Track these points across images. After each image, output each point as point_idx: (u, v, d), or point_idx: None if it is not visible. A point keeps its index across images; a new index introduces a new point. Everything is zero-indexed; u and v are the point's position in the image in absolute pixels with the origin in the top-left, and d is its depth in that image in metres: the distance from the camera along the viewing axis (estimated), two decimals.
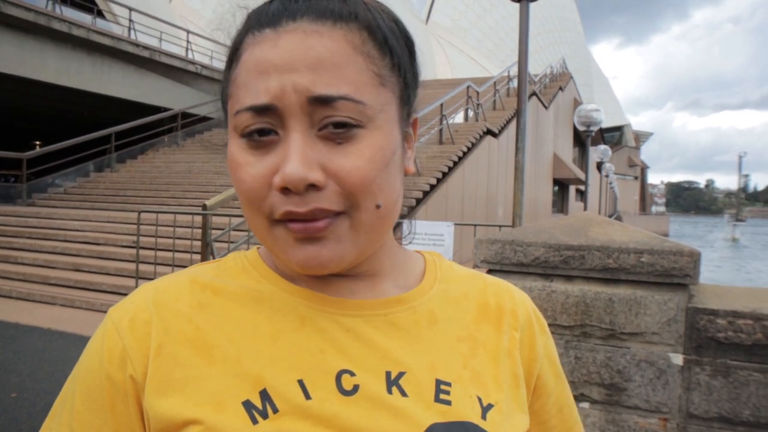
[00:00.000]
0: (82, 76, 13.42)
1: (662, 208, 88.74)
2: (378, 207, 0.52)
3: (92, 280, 6.82)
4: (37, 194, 11.88)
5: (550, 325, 2.56)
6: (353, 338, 0.55)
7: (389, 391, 0.53)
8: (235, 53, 0.54)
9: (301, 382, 0.52)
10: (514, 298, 0.67)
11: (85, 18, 15.06)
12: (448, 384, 0.56)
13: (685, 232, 79.27)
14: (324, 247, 0.51)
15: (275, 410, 0.50)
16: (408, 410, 0.52)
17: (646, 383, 2.46)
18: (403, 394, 0.53)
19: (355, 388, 0.52)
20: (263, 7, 0.53)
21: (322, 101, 0.48)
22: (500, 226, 4.24)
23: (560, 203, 27.65)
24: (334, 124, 0.49)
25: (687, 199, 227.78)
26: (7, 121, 19.56)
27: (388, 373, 0.54)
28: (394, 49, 0.54)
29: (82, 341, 4.82)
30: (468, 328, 0.61)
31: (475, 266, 2.70)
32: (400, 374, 0.54)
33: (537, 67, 31.01)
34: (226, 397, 0.51)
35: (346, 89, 0.49)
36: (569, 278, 2.55)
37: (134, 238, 7.15)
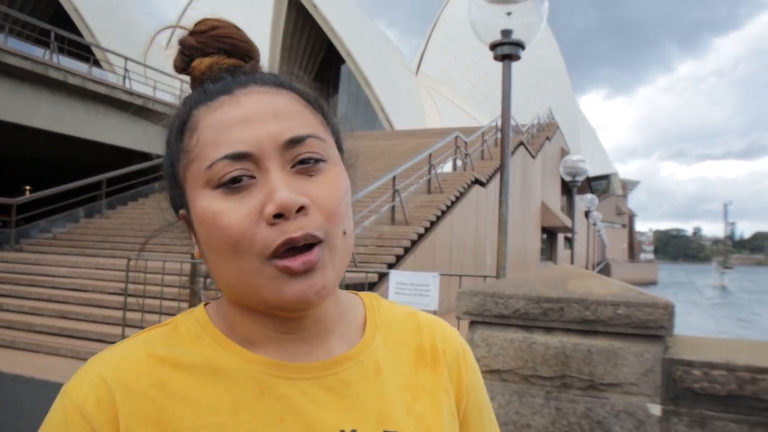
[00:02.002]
0: (75, 122, 13.59)
1: (651, 256, 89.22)
2: (344, 233, 0.59)
3: (78, 328, 6.77)
4: (26, 240, 11.84)
5: (531, 375, 2.62)
6: (310, 402, 0.59)
7: None
8: (184, 127, 0.60)
9: None
10: (446, 336, 0.72)
11: (81, 67, 15.35)
12: None
13: (674, 279, 79.56)
14: (316, 276, 0.56)
15: None
16: None
17: None
18: None
19: None
20: (207, 86, 0.61)
21: (294, 142, 0.57)
22: (485, 277, 4.31)
23: (549, 251, 27.80)
24: (304, 160, 0.57)
25: (675, 247, 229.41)
26: None
27: None
28: (324, 109, 0.64)
29: None
30: (408, 374, 0.67)
31: (458, 318, 2.77)
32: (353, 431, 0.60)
33: (524, 117, 31.67)
34: None
35: (310, 130, 0.59)
36: (549, 330, 2.61)
37: (122, 285, 7.15)
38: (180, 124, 0.61)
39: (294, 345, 0.62)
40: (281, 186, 0.55)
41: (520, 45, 4.10)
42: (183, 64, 0.65)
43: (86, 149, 15.08)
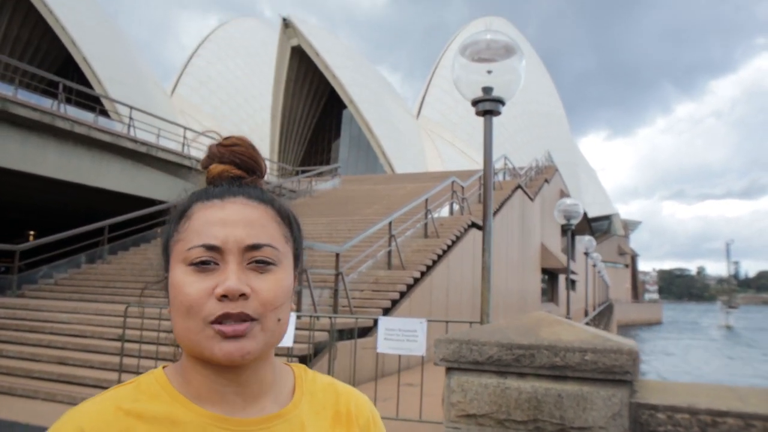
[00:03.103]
0: (80, 170, 13.91)
1: (655, 296, 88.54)
2: (279, 320, 0.77)
3: (76, 374, 6.85)
4: (27, 285, 11.98)
5: (505, 420, 2.74)
6: None
7: None
8: (184, 213, 0.79)
9: None
10: (358, 404, 0.89)
11: (87, 116, 15.78)
12: None
13: (679, 318, 78.79)
14: (245, 342, 0.72)
15: None
16: None
17: None
18: None
19: None
20: (209, 189, 0.81)
21: (254, 247, 0.75)
22: (470, 323, 4.43)
23: (550, 293, 27.74)
24: (258, 261, 0.75)
25: (679, 286, 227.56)
26: (2, 213, 19.92)
27: None
28: (292, 225, 0.84)
29: None
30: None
31: (435, 364, 2.90)
32: None
33: (524, 159, 32.03)
34: None
35: (268, 240, 0.77)
36: (522, 375, 2.73)
37: (120, 330, 7.26)
38: (181, 211, 0.80)
39: (233, 400, 0.77)
40: (233, 277, 0.72)
41: (500, 101, 4.32)
42: (206, 164, 0.84)
43: (90, 195, 15.37)
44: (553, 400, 2.68)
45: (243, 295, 0.73)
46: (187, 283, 0.74)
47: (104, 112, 19.05)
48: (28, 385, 6.58)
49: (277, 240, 0.78)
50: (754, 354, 34.37)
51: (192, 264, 0.74)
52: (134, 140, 15.12)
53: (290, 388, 0.85)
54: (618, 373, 2.60)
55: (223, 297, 0.72)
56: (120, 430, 0.71)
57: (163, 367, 0.82)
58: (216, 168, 0.82)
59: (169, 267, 0.78)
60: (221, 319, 0.72)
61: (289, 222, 0.83)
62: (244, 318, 0.73)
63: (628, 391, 2.61)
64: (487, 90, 4.35)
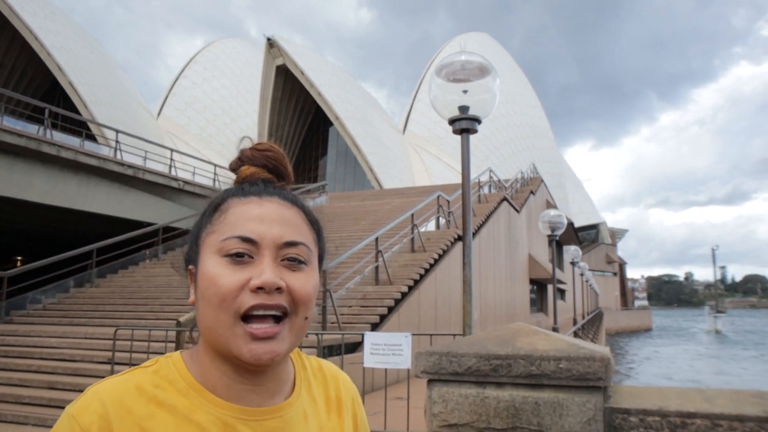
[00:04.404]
0: (67, 194, 13.92)
1: (645, 302, 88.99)
2: (306, 318, 0.80)
3: (66, 398, 6.84)
4: (16, 311, 11.91)
5: (485, 428, 2.85)
6: None
7: None
8: (218, 207, 0.82)
9: None
10: (345, 386, 0.97)
11: (74, 141, 15.82)
12: None
13: (668, 324, 79.20)
14: (273, 344, 0.75)
15: None
16: None
17: None
18: None
19: None
20: (245, 186, 0.84)
21: (289, 244, 0.79)
22: (454, 335, 4.54)
23: (540, 303, 27.88)
24: (291, 258, 0.79)
25: (668, 293, 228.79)
26: None
27: None
28: (319, 231, 0.89)
29: None
30: (323, 419, 0.90)
31: (416, 376, 3.00)
32: None
33: (509, 172, 32.32)
34: None
35: (303, 239, 0.81)
36: (500, 385, 2.84)
37: (110, 353, 7.28)
38: (216, 204, 0.83)
39: (249, 397, 0.80)
40: (269, 270, 0.76)
41: (476, 120, 4.47)
42: (236, 166, 0.88)
43: (77, 219, 15.36)
44: (530, 408, 2.79)
45: (278, 289, 0.76)
46: (221, 274, 0.76)
47: (91, 136, 19.07)
48: (18, 411, 6.57)
49: (308, 240, 0.82)
50: (743, 355, 34.65)
51: (227, 255, 0.76)
52: (121, 163, 15.18)
53: (291, 379, 0.89)
54: (591, 379, 2.71)
55: (259, 289, 0.75)
56: (142, 414, 0.74)
57: (181, 352, 0.85)
58: (248, 170, 0.86)
59: (199, 259, 0.80)
60: (252, 310, 0.75)
61: (317, 228, 0.88)
62: (280, 310, 0.77)
63: (602, 397, 2.72)
64: (463, 109, 4.50)
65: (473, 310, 4.25)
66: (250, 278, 0.75)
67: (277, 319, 0.77)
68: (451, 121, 4.56)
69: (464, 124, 4.51)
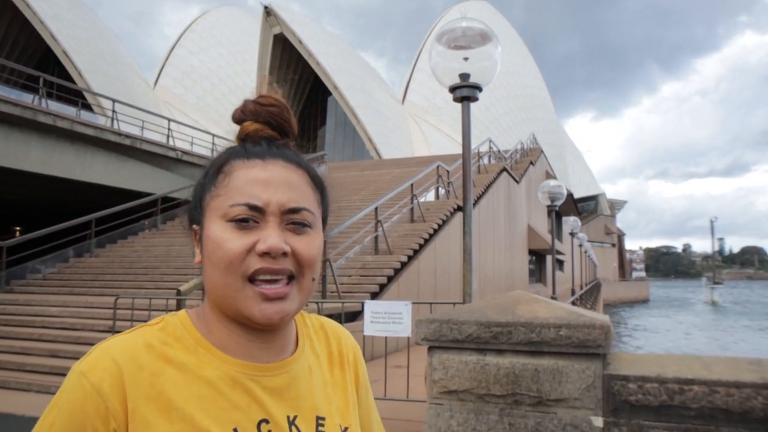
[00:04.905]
0: (64, 164, 13.84)
1: (643, 274, 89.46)
2: (313, 279, 0.82)
3: (68, 366, 6.85)
4: (16, 281, 11.96)
5: (485, 394, 2.86)
6: (267, 394, 0.80)
7: (290, 430, 0.80)
8: (221, 169, 0.81)
9: (236, 431, 0.76)
10: (346, 343, 0.98)
11: (70, 110, 15.68)
12: (323, 418, 0.85)
13: (666, 295, 79.89)
14: (284, 304, 0.77)
15: None
16: None
17: None
18: (299, 430, 0.81)
19: None
20: (248, 147, 0.82)
21: (293, 210, 0.79)
22: (454, 303, 4.55)
23: (538, 273, 28.04)
24: (296, 222, 0.79)
25: (666, 264, 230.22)
26: None
27: (288, 417, 0.81)
28: (323, 191, 0.88)
29: None
30: (326, 374, 0.91)
31: (417, 343, 3.01)
32: (295, 417, 0.82)
33: (509, 143, 32.16)
34: None
35: (306, 204, 0.81)
36: (500, 352, 2.85)
37: (111, 322, 7.33)
38: (219, 165, 0.81)
39: (257, 353, 0.81)
40: (275, 235, 0.76)
41: (477, 87, 4.41)
42: (239, 119, 0.85)
43: (75, 189, 15.30)
44: (530, 375, 2.80)
45: (284, 254, 0.77)
46: (228, 238, 0.76)
47: (87, 106, 18.88)
48: (21, 378, 6.64)
49: (312, 204, 0.82)
50: (738, 325, 35.03)
51: (233, 221, 0.77)
52: (118, 133, 15.05)
53: (294, 335, 0.90)
54: (591, 346, 2.72)
55: (265, 254, 0.75)
56: (152, 371, 0.75)
57: (186, 311, 0.85)
58: (251, 126, 0.84)
59: (204, 221, 0.80)
60: (259, 274, 0.76)
61: (321, 188, 0.87)
62: (287, 273, 0.77)
63: (601, 364, 2.73)
64: (464, 76, 4.43)
65: (473, 279, 4.25)
66: (256, 242, 0.76)
67: (287, 280, 0.78)
68: (452, 89, 4.50)
69: (465, 91, 4.45)
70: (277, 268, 0.76)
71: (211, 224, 0.79)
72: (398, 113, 49.36)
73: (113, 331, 6.43)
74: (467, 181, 4.36)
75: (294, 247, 0.78)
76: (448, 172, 13.69)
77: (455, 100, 4.53)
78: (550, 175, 27.28)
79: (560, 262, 33.20)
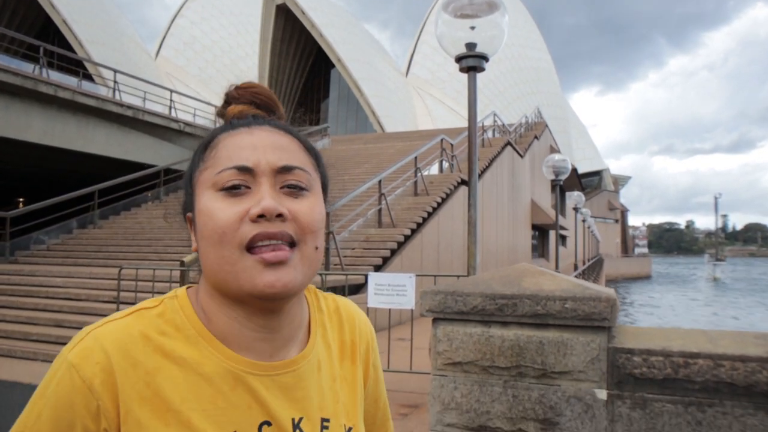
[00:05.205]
0: (66, 135, 13.78)
1: (645, 250, 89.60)
2: (316, 248, 0.75)
3: (72, 335, 6.95)
4: (20, 251, 12.01)
5: (489, 366, 2.86)
6: (272, 394, 0.74)
7: None
8: (208, 145, 0.77)
9: None
10: (361, 331, 0.92)
11: (71, 80, 15.54)
12: (328, 420, 0.79)
13: (668, 271, 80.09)
14: (285, 271, 0.70)
15: None
16: None
17: (576, 417, 2.74)
18: None
19: None
20: (233, 121, 0.79)
21: (286, 169, 0.73)
22: (458, 276, 4.54)
23: (541, 248, 28.06)
24: (291, 185, 0.73)
25: (669, 240, 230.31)
26: None
27: (293, 420, 0.75)
28: (318, 158, 0.82)
29: None
30: (335, 367, 0.85)
31: (421, 315, 3.00)
32: (300, 419, 0.76)
33: (514, 116, 31.92)
34: None
35: (300, 163, 0.76)
36: (505, 324, 2.84)
37: (115, 293, 7.36)
38: (205, 143, 0.78)
39: (260, 345, 0.75)
40: (267, 196, 0.70)
41: (484, 57, 4.33)
42: (222, 109, 0.83)
43: (78, 161, 15.27)
44: (534, 347, 2.80)
45: (280, 216, 0.70)
46: (218, 207, 0.71)
47: (88, 76, 18.70)
48: (27, 348, 6.70)
49: (307, 164, 0.77)
50: (740, 302, 35.17)
51: (222, 189, 0.72)
52: (120, 104, 14.95)
53: (306, 324, 0.84)
54: (596, 319, 2.71)
55: (259, 217, 0.69)
56: (147, 368, 0.70)
57: (187, 291, 0.80)
58: (235, 108, 0.81)
59: (195, 200, 0.75)
60: (256, 240, 0.69)
61: (315, 154, 0.82)
62: (285, 238, 0.71)
63: (606, 337, 2.73)
64: (470, 46, 4.36)
65: (477, 251, 4.23)
66: (249, 208, 0.70)
67: (288, 246, 0.71)
68: (458, 59, 4.43)
69: (471, 61, 4.38)
70: (274, 232, 0.70)
71: (201, 198, 0.74)
72: (402, 86, 48.94)
73: (117, 302, 6.46)
74: (473, 153, 4.31)
75: (292, 210, 0.72)
76: (452, 145, 13.60)
77: (461, 70, 4.46)
78: (554, 150, 27.12)
79: (563, 238, 33.19)
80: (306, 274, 0.74)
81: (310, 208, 0.74)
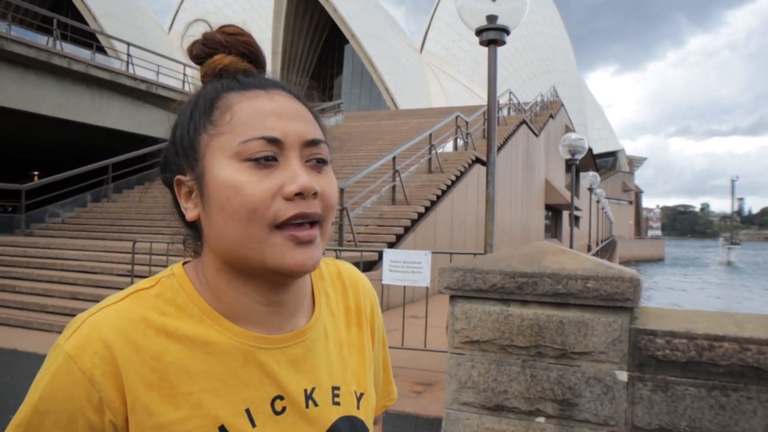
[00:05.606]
0: (80, 108, 13.77)
1: (658, 232, 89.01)
2: (333, 223, 0.73)
3: (88, 308, 7.01)
4: (36, 224, 12.11)
5: (508, 345, 2.81)
6: (282, 367, 0.72)
7: (306, 405, 0.73)
8: (215, 104, 0.69)
9: (248, 411, 0.68)
10: (364, 294, 0.89)
11: (84, 53, 15.47)
12: (338, 388, 0.77)
13: (681, 254, 79.54)
14: (313, 249, 0.67)
15: None
16: (318, 416, 0.73)
17: (595, 398, 2.69)
18: (315, 404, 0.73)
19: (284, 409, 0.70)
20: (239, 78, 0.71)
21: (313, 143, 0.69)
22: (474, 254, 4.48)
23: (554, 228, 27.91)
24: (318, 159, 0.69)
25: (683, 223, 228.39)
26: (5, 153, 19.87)
27: (305, 391, 0.73)
28: (324, 129, 0.76)
29: None
30: (342, 333, 0.83)
31: (439, 292, 2.95)
32: (313, 389, 0.74)
33: (529, 95, 31.53)
34: None
35: (322, 137, 0.72)
36: (524, 303, 2.78)
37: (129, 266, 7.38)
38: (209, 102, 0.70)
39: (270, 320, 0.72)
40: (303, 173, 0.66)
41: (505, 30, 4.21)
42: (203, 54, 0.74)
43: (92, 134, 15.28)
44: (554, 327, 2.74)
45: (316, 194, 0.67)
46: (246, 182, 0.65)
47: (101, 49, 18.64)
48: (42, 319, 6.76)
49: (324, 137, 0.73)
50: (755, 286, 34.90)
51: (249, 160, 0.66)
52: (134, 77, 14.88)
53: (310, 292, 0.81)
54: (619, 300, 2.65)
55: (297, 195, 0.65)
56: (151, 353, 0.66)
57: (183, 264, 0.76)
58: (223, 59, 0.73)
59: (204, 166, 0.68)
60: (292, 220, 0.66)
61: (322, 124, 0.76)
62: (318, 219, 0.68)
63: (628, 318, 2.67)
64: (491, 18, 4.23)
65: (494, 229, 4.17)
66: (282, 185, 0.65)
67: (311, 224, 0.68)
68: (478, 32, 4.31)
69: (492, 34, 4.26)
70: (311, 212, 0.66)
71: (219, 167, 0.66)
72: (416, 63, 48.44)
73: (132, 275, 6.48)
74: (492, 129, 4.22)
75: (320, 186, 0.68)
76: (467, 123, 13.44)
77: (481, 43, 4.34)
78: (569, 129, 26.80)
79: (576, 218, 32.96)
80: (323, 250, 0.71)
81: (332, 184, 0.71)
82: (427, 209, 9.97)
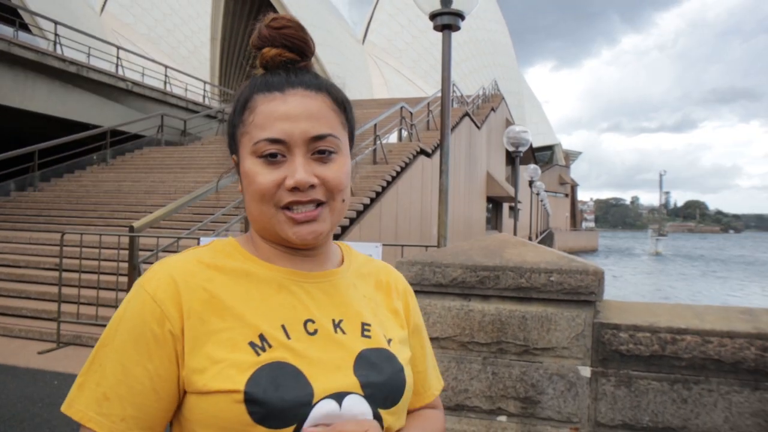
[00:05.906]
0: (2, 91, 12.83)
1: (592, 224, 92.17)
2: (343, 201, 0.87)
3: (11, 305, 6.50)
4: None
5: (468, 342, 2.68)
6: (311, 298, 0.86)
7: (335, 331, 0.85)
8: (246, 104, 0.85)
9: (283, 327, 0.82)
10: (397, 277, 1.03)
11: (6, 30, 14.44)
12: (369, 325, 0.89)
13: (613, 245, 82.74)
14: (316, 225, 0.83)
15: (270, 346, 0.80)
16: (347, 343, 0.85)
17: (558, 395, 2.60)
18: (344, 332, 0.86)
19: (315, 331, 0.84)
20: (268, 77, 0.86)
21: (317, 138, 0.83)
22: (427, 246, 4.36)
23: (494, 220, 28.36)
24: (321, 150, 0.83)
25: (615, 215, 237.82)
26: None
27: (333, 320, 0.86)
28: (347, 110, 0.90)
29: None
30: (370, 292, 0.96)
31: None
32: (341, 320, 0.87)
33: (470, 88, 31.83)
34: (238, 341, 0.79)
35: (330, 130, 0.84)
36: (485, 297, 2.67)
37: (57, 260, 6.89)
38: (244, 101, 0.86)
39: (301, 262, 0.89)
40: (301, 169, 0.81)
41: (459, 15, 4.10)
42: (257, 45, 0.88)
43: (15, 118, 14.27)
44: (517, 322, 2.65)
45: (312, 186, 0.82)
46: (259, 173, 0.82)
47: (24, 26, 17.47)
48: None
49: (336, 128, 0.85)
50: (680, 273, 36.65)
51: (261, 156, 0.82)
52: (62, 59, 13.99)
53: (340, 257, 0.97)
54: (583, 293, 2.58)
55: (294, 188, 0.81)
56: (203, 277, 0.83)
57: (232, 237, 0.94)
58: (269, 52, 0.86)
59: (240, 155, 0.86)
60: (290, 206, 0.82)
61: (345, 107, 0.89)
62: (316, 203, 0.83)
63: (591, 312, 2.60)
64: (445, 2, 4.11)
65: (448, 221, 4.05)
66: (286, 177, 0.81)
67: (317, 205, 0.84)
68: (432, 16, 4.17)
69: (446, 19, 4.14)
70: (305, 200, 0.82)
71: (245, 160, 0.84)
72: (358, 54, 48.10)
73: (60, 269, 6.02)
74: (446, 116, 4.10)
75: (322, 176, 0.82)
76: (411, 113, 13.35)
77: (435, 28, 4.22)
78: (510, 123, 27.23)
79: (515, 210, 33.60)
80: (333, 223, 0.87)
81: (337, 170, 0.84)
82: (372, 200, 9.82)
